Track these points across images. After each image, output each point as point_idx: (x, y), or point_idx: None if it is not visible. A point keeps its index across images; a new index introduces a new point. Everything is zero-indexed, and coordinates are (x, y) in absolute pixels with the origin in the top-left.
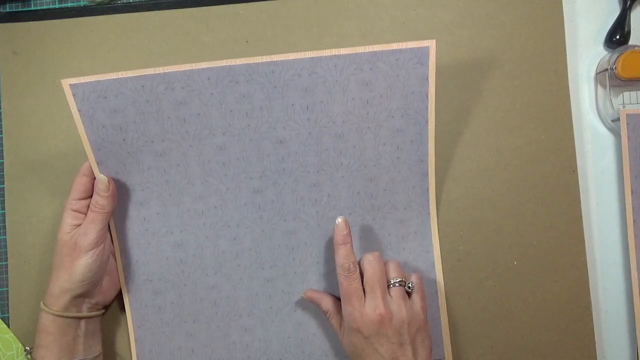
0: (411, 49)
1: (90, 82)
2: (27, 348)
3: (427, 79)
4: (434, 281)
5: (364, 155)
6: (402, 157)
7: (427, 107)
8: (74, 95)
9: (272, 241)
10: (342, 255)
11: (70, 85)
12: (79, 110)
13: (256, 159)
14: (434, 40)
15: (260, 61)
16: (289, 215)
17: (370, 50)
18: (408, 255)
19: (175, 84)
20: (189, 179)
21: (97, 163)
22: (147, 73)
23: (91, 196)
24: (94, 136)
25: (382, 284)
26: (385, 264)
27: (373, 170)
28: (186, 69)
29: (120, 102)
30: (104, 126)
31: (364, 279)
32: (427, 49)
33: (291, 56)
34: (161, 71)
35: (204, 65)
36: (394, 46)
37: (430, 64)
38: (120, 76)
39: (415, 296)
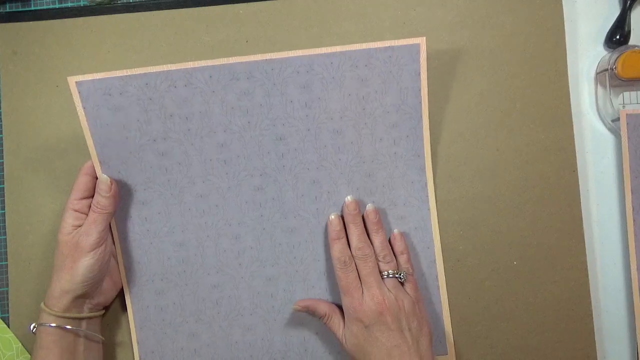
0: (403, 46)
1: (96, 79)
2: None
3: (419, 74)
4: (436, 277)
5: (362, 151)
6: (398, 152)
7: (420, 102)
8: (79, 92)
9: (273, 239)
10: (337, 250)
11: (76, 82)
12: (84, 108)
13: (256, 156)
14: (424, 38)
15: (260, 59)
16: (290, 212)
17: (364, 47)
18: (409, 251)
19: (178, 81)
20: (190, 178)
21: (100, 162)
22: (151, 71)
23: (93, 196)
24: (97, 135)
25: (376, 275)
26: (376, 254)
27: (371, 166)
28: (189, 66)
29: (124, 100)
30: (107, 124)
31: (359, 274)
32: (417, 45)
33: (289, 54)
34: (165, 69)
35: (206, 63)
36: (387, 43)
37: (421, 60)
38: (125, 74)
39: (408, 285)
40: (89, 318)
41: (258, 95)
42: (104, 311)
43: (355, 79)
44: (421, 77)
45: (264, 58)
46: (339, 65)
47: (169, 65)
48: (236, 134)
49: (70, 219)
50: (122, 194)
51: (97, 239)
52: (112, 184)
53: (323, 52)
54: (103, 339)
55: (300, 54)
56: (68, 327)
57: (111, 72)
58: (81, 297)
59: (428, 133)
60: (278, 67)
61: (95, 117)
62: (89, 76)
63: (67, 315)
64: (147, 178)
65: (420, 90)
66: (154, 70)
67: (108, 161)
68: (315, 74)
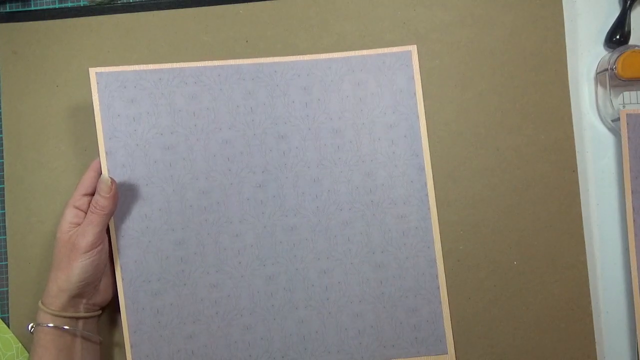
0: (395, 53)
1: (114, 71)
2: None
3: (413, 78)
4: (436, 276)
5: (361, 150)
6: (397, 151)
7: (416, 104)
8: (97, 83)
9: (273, 237)
10: None
11: (96, 73)
12: (99, 98)
13: (259, 153)
14: (415, 45)
15: (264, 61)
16: (290, 210)
17: (360, 54)
18: (409, 251)
19: (189, 78)
20: (193, 174)
21: (107, 153)
22: (165, 67)
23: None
24: (107, 124)
25: None
26: None
27: (370, 165)
28: (200, 65)
29: (137, 93)
30: (118, 115)
31: None
32: (409, 52)
33: (291, 58)
34: (177, 66)
35: (215, 62)
36: (381, 51)
37: (414, 65)
38: (141, 68)
39: None
40: (86, 318)
41: (262, 95)
42: (101, 311)
43: (353, 82)
44: (415, 81)
45: (268, 61)
46: (337, 69)
47: (181, 63)
48: (240, 131)
49: (69, 216)
50: (124, 189)
51: (93, 240)
52: (112, 185)
53: (322, 57)
54: (101, 339)
55: (301, 59)
56: (65, 327)
57: (128, 65)
58: (78, 297)
59: (426, 133)
60: (281, 70)
61: (108, 107)
62: (108, 68)
63: (64, 314)
64: (150, 173)
65: (415, 92)
66: (167, 67)
67: (114, 153)
68: (315, 77)
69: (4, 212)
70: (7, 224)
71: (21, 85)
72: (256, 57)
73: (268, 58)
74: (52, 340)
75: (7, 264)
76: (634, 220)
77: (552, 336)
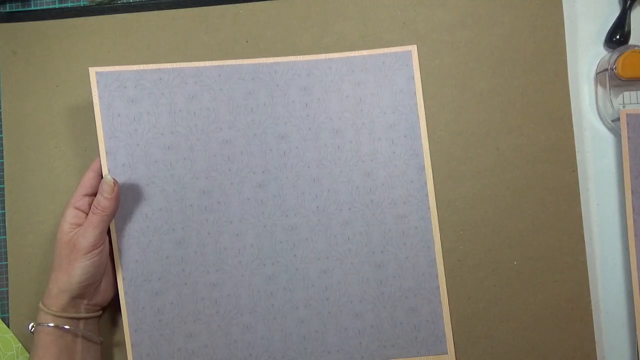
0: (395, 53)
1: (114, 71)
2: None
3: (413, 78)
4: (436, 276)
5: (361, 150)
6: (397, 151)
7: (416, 104)
8: (97, 82)
9: (273, 237)
10: None
11: (96, 73)
12: (100, 98)
13: (259, 153)
14: (415, 45)
15: (264, 62)
16: (290, 210)
17: (360, 54)
18: (409, 251)
19: (189, 78)
20: (194, 173)
21: (107, 153)
22: (165, 67)
23: (96, 194)
24: (107, 124)
25: None
26: None
27: (370, 165)
28: (200, 65)
29: (138, 92)
30: (119, 115)
31: None
32: (409, 52)
33: (291, 59)
34: (177, 66)
35: (215, 62)
36: (381, 51)
37: (414, 66)
38: (141, 68)
39: None
40: (87, 318)
41: (262, 95)
42: (101, 312)
43: (353, 82)
44: (415, 81)
45: (268, 61)
46: (337, 69)
47: (181, 63)
48: (240, 131)
49: (69, 217)
50: (124, 189)
51: (93, 241)
52: (115, 185)
53: (322, 58)
54: (101, 339)
55: (301, 59)
56: (66, 327)
57: (128, 65)
58: (78, 298)
59: (426, 133)
60: (281, 70)
61: (108, 106)
62: (108, 68)
63: (65, 315)
64: (150, 172)
65: (415, 92)
66: (168, 67)
67: (115, 153)
68: (315, 77)
69: (4, 212)
70: (7, 224)
71: (21, 85)
72: (256, 57)
73: (268, 58)
74: (53, 340)
75: (7, 264)
76: (634, 220)
77: (552, 336)
